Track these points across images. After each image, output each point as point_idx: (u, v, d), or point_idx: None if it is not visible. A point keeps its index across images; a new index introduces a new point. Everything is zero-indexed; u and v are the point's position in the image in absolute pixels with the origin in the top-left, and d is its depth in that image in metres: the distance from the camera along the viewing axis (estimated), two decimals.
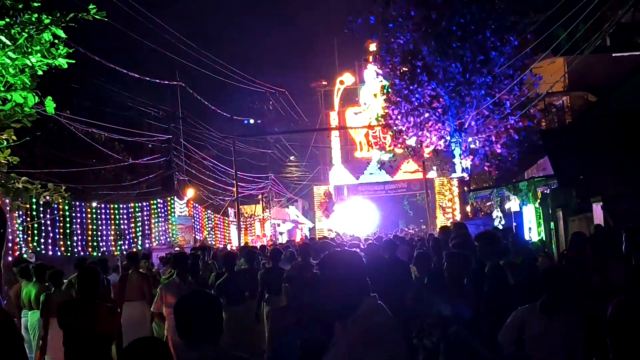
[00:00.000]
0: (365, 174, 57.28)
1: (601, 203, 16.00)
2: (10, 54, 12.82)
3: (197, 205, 44.10)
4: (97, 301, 9.36)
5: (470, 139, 31.51)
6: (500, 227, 24.16)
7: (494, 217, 27.51)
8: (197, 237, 40.27)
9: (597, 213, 16.38)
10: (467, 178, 33.11)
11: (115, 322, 9.54)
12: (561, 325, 7.21)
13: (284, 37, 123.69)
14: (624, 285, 8.37)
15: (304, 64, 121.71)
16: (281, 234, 63.28)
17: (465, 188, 34.39)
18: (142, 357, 4.27)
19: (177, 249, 30.60)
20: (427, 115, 31.47)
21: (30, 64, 13.13)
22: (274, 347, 8.45)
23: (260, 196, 61.82)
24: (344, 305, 4.72)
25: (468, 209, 36.24)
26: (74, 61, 13.68)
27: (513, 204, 28.60)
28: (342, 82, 61.26)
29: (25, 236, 26.42)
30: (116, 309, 9.75)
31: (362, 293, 4.75)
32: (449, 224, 35.73)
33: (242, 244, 40.90)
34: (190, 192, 44.36)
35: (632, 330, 4.15)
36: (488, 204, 36.78)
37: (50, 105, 13.63)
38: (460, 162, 31.88)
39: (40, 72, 13.43)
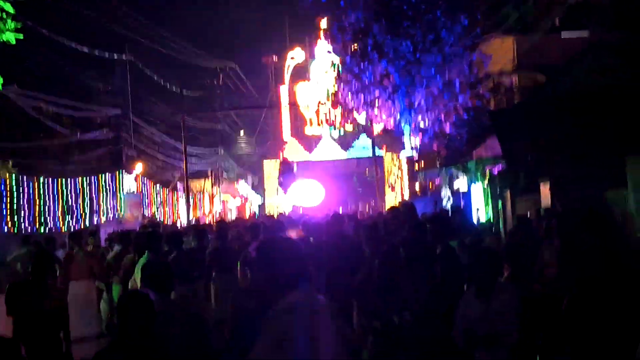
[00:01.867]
0: (318, 148, 57.18)
1: (549, 184, 16.15)
2: None
3: (146, 180, 43.86)
4: (49, 282, 9.33)
5: (419, 118, 31.60)
6: (449, 206, 24.34)
7: (442, 196, 27.68)
8: (146, 213, 40.06)
9: (545, 194, 16.53)
10: (416, 157, 33.25)
11: (65, 302, 9.51)
12: (497, 307, 7.29)
13: (234, 11, 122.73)
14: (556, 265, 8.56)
15: (255, 39, 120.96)
16: (230, 210, 63.17)
17: (415, 167, 34.56)
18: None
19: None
20: (377, 93, 31.49)
21: None
22: (235, 330, 8.39)
23: (209, 171, 61.66)
24: (263, 301, 4.69)
25: (417, 186, 36.47)
26: (21, 36, 13.50)
27: (462, 183, 28.81)
28: (292, 58, 61.11)
29: None
30: (66, 290, 9.72)
31: (284, 286, 4.61)
32: (397, 203, 35.90)
33: (191, 220, 40.79)
34: (139, 167, 44.09)
35: (586, 325, 4.21)
36: (437, 183, 37.03)
37: None
38: (410, 141, 31.97)
39: None
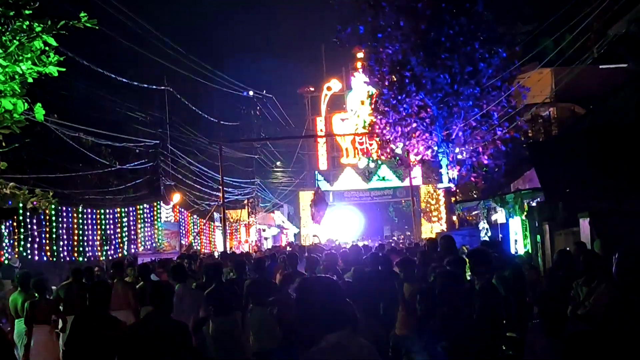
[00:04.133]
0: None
1: (588, 219, 15.98)
2: (0, 61, 12.79)
3: (183, 210, 44.04)
4: (109, 315, 9.34)
5: (457, 150, 31.60)
6: (487, 238, 24.19)
7: (480, 228, 27.51)
8: (183, 243, 40.21)
9: (584, 228, 16.36)
10: (454, 188, 33.19)
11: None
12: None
13: (271, 42, 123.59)
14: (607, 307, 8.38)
15: (292, 70, 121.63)
16: (266, 239, 63.25)
17: (452, 198, 34.46)
18: None
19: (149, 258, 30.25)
20: (414, 125, 31.55)
21: (21, 72, 13.10)
22: None
23: (246, 201, 61.82)
24: (304, 338, 4.68)
25: (454, 218, 36.32)
26: (64, 69, 13.66)
27: (499, 216, 28.64)
28: (329, 88, 61.41)
29: (11, 241, 26.23)
30: (124, 323, 9.68)
31: (325, 327, 4.58)
32: (434, 234, 35.78)
33: (227, 250, 40.87)
34: (176, 197, 44.30)
35: None
36: (474, 213, 36.85)
37: (39, 112, 13.60)
38: (447, 173, 31.95)
39: (30, 80, 13.40)
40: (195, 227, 46.89)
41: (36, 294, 13.49)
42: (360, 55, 44.22)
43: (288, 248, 35.58)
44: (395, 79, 31.73)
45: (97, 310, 9.15)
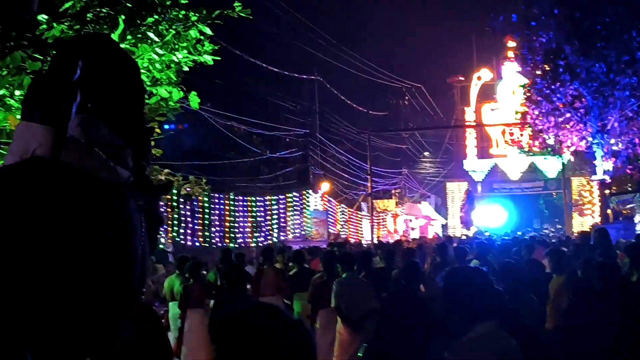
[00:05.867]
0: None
1: None
2: (157, 50, 13.08)
3: (331, 199, 44.35)
4: (250, 299, 9.51)
5: (612, 141, 30.73)
6: None
7: (635, 221, 26.73)
8: (331, 231, 40.49)
9: None
10: (609, 180, 32.29)
11: None
12: None
13: (421, 32, 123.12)
14: None
15: (441, 59, 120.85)
16: (413, 229, 63.04)
17: (607, 191, 33.55)
18: None
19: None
20: (568, 115, 30.83)
21: (177, 60, 13.38)
22: None
23: (393, 191, 61.76)
24: (452, 328, 4.67)
25: (608, 211, 35.34)
26: (219, 58, 13.90)
27: None
28: (479, 78, 60.59)
29: (165, 226, 26.98)
30: None
31: (473, 317, 4.52)
32: (587, 228, 34.88)
33: (375, 239, 40.95)
34: (325, 186, 44.68)
35: None
36: (629, 206, 35.77)
37: (194, 101, 13.87)
38: (602, 164, 31.10)
39: (185, 68, 13.69)
40: (343, 216, 47.17)
41: (192, 279, 13.74)
42: (511, 44, 43.57)
43: (462, 237, 35.53)
44: (548, 68, 31.09)
45: (235, 294, 9.30)
